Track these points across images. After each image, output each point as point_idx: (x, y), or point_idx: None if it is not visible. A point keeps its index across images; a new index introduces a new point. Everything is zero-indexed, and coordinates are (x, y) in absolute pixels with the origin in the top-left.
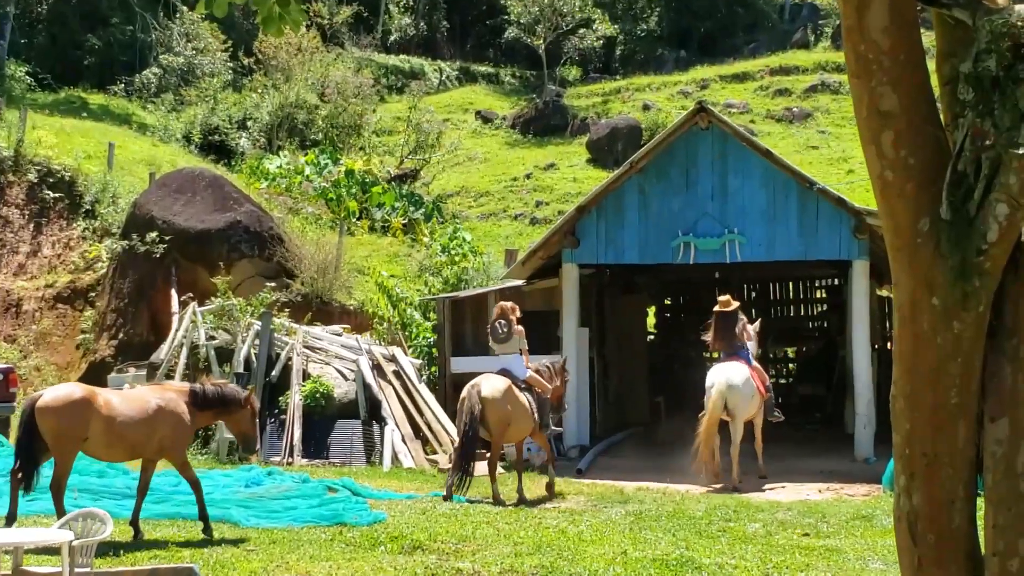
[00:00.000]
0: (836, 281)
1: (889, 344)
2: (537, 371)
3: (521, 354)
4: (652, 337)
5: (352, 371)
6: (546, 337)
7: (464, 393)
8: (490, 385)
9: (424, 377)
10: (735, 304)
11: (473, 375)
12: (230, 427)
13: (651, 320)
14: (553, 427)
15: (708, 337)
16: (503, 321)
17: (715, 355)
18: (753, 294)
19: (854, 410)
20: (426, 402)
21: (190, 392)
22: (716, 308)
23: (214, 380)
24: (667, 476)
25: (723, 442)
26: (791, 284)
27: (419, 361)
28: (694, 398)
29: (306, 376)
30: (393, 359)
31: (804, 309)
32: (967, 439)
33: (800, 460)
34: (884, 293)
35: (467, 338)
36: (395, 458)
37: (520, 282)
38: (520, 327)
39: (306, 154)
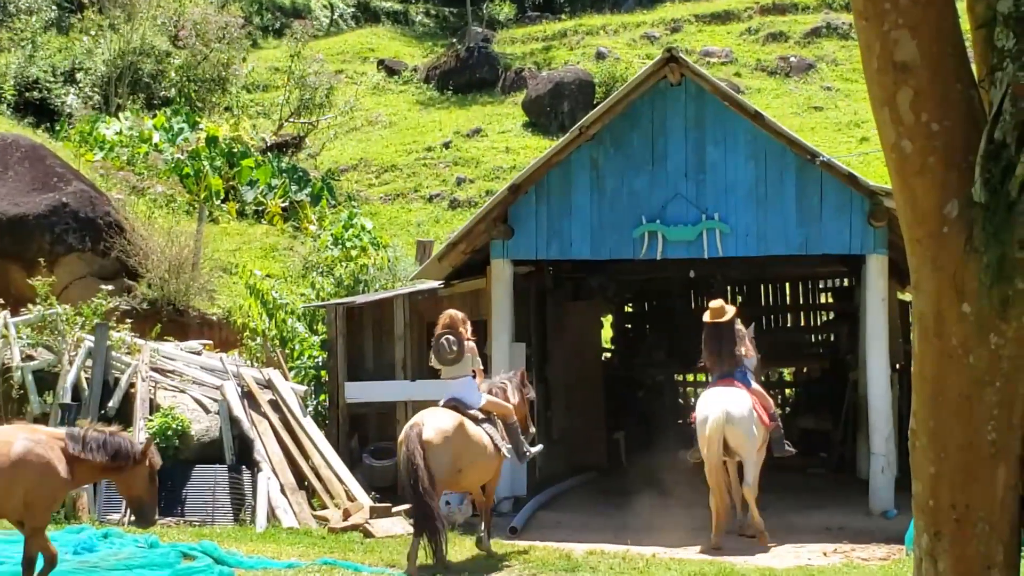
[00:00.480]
0: (846, 282)
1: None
2: (490, 392)
3: (475, 376)
4: (609, 355)
5: (215, 401)
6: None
7: (401, 436)
8: (434, 425)
9: (310, 408)
10: (730, 311)
11: (378, 404)
12: (120, 488)
13: (608, 333)
14: (530, 449)
15: (704, 358)
16: (451, 337)
17: (700, 377)
18: (739, 299)
19: (869, 449)
20: (313, 441)
21: (67, 438)
22: (706, 318)
23: (97, 426)
24: (628, 536)
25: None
26: (788, 286)
27: (304, 388)
28: (664, 434)
29: (154, 408)
30: (269, 385)
31: (805, 319)
32: (1008, 487)
33: (800, 513)
34: (908, 297)
35: (367, 357)
36: (272, 514)
37: (436, 284)
38: (472, 343)
39: (154, 116)
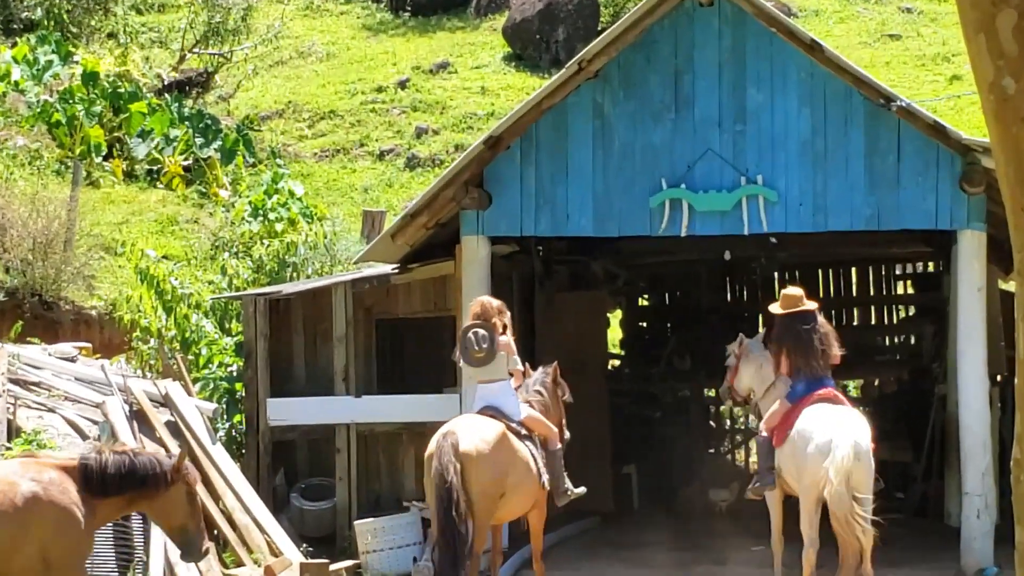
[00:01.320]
0: (931, 267)
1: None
2: (529, 403)
3: (513, 379)
4: (617, 363)
5: (94, 423)
6: (431, 362)
7: (432, 448)
8: (473, 433)
9: (221, 434)
10: (810, 303)
11: (310, 428)
12: (156, 519)
13: (616, 334)
14: (572, 488)
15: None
16: (480, 331)
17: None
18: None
19: (961, 487)
20: (225, 477)
21: (80, 469)
22: (777, 309)
23: (115, 446)
24: None
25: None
26: (854, 273)
27: (213, 406)
28: (688, 468)
29: (13, 432)
30: (167, 402)
31: (876, 315)
32: None
33: (875, 571)
34: (1011, 285)
35: (296, 365)
36: (169, 573)
37: (390, 268)
38: (509, 338)
39: (14, 45)
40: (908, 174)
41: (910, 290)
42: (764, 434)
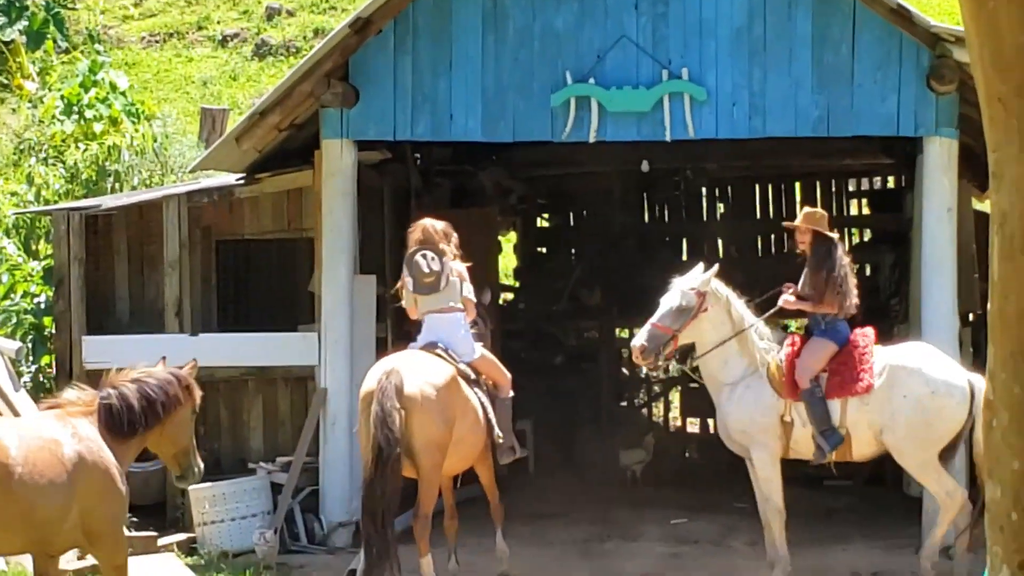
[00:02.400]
0: (891, 183)
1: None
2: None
3: (467, 310)
4: (510, 296)
5: None
6: (284, 293)
7: (371, 386)
8: (419, 374)
9: (26, 379)
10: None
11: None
12: (158, 448)
13: (509, 261)
14: (517, 446)
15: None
16: (430, 253)
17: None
18: (719, 209)
19: None
20: None
21: (101, 411)
22: (798, 223)
23: (124, 374)
24: None
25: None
26: (798, 189)
27: (17, 344)
28: (597, 425)
29: None
30: None
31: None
32: None
33: (817, 550)
34: (987, 205)
35: (119, 296)
36: None
37: (234, 177)
38: (461, 264)
39: None
40: (865, 69)
41: (865, 210)
42: (808, 386)
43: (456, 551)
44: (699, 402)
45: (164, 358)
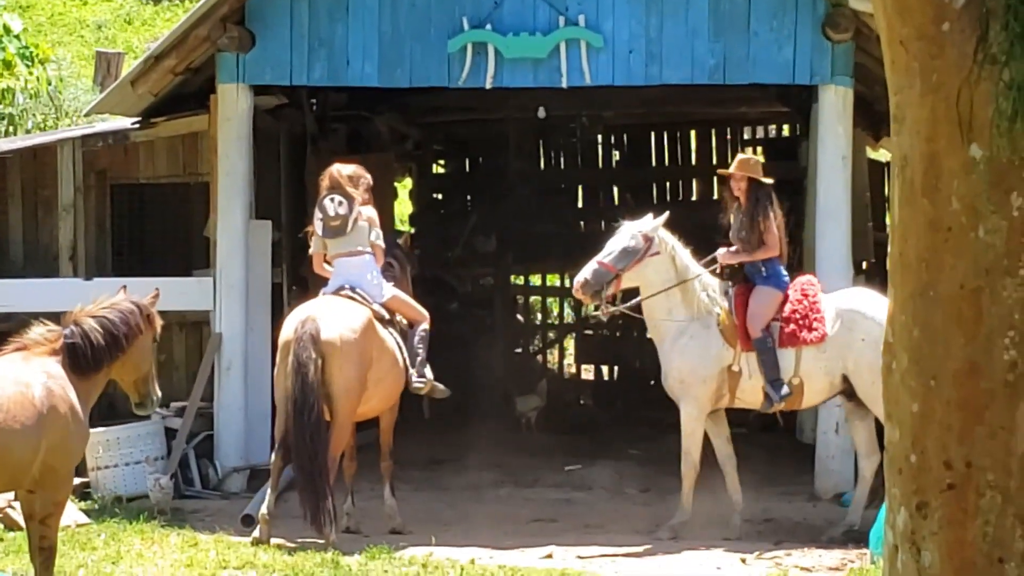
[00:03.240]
0: (786, 131)
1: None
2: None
3: (375, 255)
4: (406, 241)
5: None
6: (179, 238)
7: (288, 334)
8: (336, 320)
9: None
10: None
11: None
12: (121, 376)
13: (404, 207)
14: (428, 376)
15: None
16: (338, 197)
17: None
18: (615, 157)
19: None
20: None
21: (65, 350)
22: (733, 171)
23: (88, 308)
24: (431, 530)
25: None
26: (693, 137)
27: None
28: (491, 372)
29: None
30: None
31: (720, 190)
32: None
33: (709, 496)
34: (884, 155)
35: (13, 240)
36: None
37: (130, 121)
38: (371, 209)
39: None
40: (761, 17)
41: (761, 159)
42: (760, 335)
43: (353, 493)
44: (594, 349)
45: (124, 287)
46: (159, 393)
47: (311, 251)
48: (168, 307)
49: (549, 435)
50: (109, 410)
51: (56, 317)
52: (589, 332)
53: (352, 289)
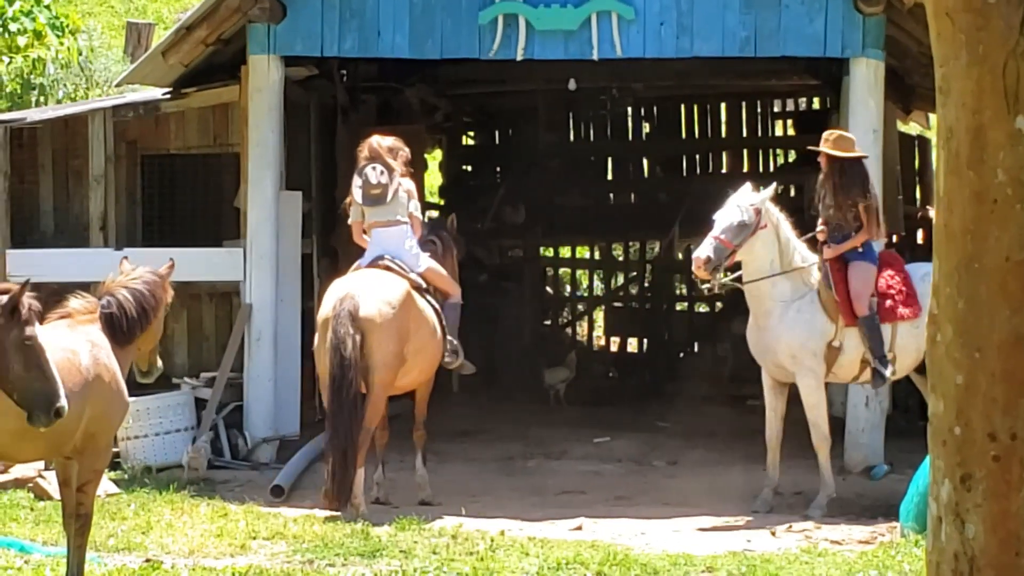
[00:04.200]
0: (816, 103)
1: (922, 235)
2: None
3: (412, 226)
4: (436, 213)
5: None
6: (209, 209)
7: (327, 311)
8: (375, 295)
9: None
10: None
11: (61, 287)
12: (142, 347)
13: (434, 179)
14: (460, 352)
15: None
16: (378, 167)
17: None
18: (646, 129)
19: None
20: None
21: (103, 320)
22: (827, 150)
23: (119, 279)
24: (461, 502)
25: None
26: (724, 109)
27: None
28: (519, 345)
29: None
30: None
31: (750, 161)
32: None
33: (739, 469)
34: (914, 128)
35: (43, 210)
36: None
37: (160, 92)
38: (410, 181)
39: None
40: None
41: (791, 131)
42: (868, 312)
43: (384, 464)
44: (622, 321)
45: (126, 257)
46: (161, 363)
47: (350, 220)
48: (198, 278)
49: (577, 407)
50: (132, 380)
51: (86, 287)
52: (618, 304)
53: (391, 259)
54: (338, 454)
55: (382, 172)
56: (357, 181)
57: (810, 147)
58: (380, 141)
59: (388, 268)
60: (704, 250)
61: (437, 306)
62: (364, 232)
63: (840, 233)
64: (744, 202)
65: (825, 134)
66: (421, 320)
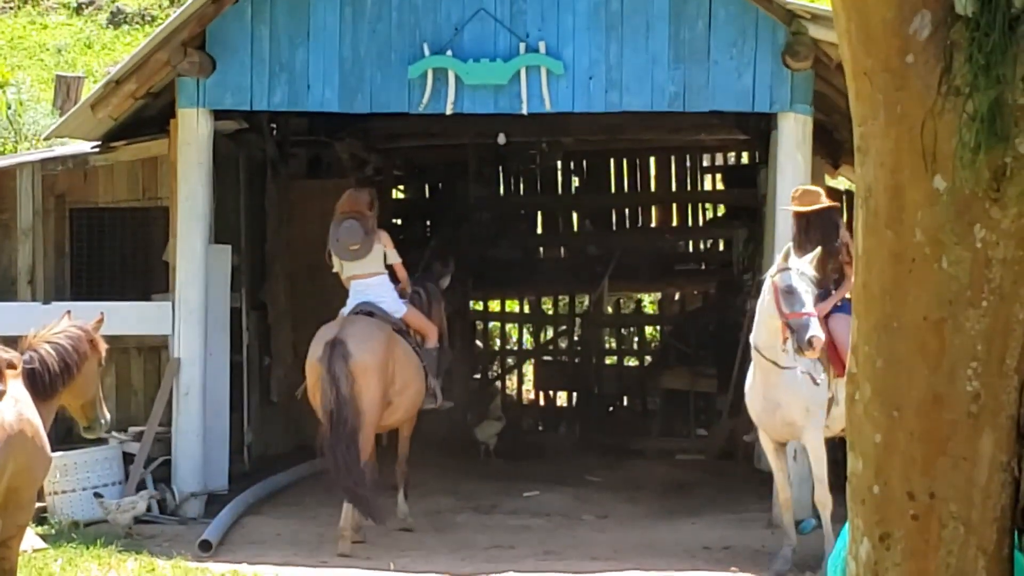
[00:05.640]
0: (745, 158)
1: (849, 289)
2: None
3: (394, 274)
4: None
5: None
6: (138, 262)
7: (318, 355)
8: (363, 341)
9: None
10: (824, 199)
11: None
12: (68, 401)
13: None
14: (439, 395)
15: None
16: (353, 221)
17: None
18: (575, 182)
19: None
20: None
21: (26, 374)
22: (794, 207)
23: (41, 334)
24: (388, 555)
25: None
26: (653, 164)
27: None
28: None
29: None
30: None
31: (679, 215)
32: (995, 466)
33: (664, 523)
34: (841, 184)
35: None
36: None
37: (90, 146)
38: (384, 232)
39: None
40: (720, 45)
41: (719, 186)
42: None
43: None
44: (552, 375)
45: (69, 312)
46: (108, 416)
47: (334, 269)
48: (127, 331)
49: (507, 461)
50: (66, 435)
51: (14, 341)
52: (548, 358)
53: (372, 305)
54: (348, 488)
55: (359, 228)
56: (335, 234)
57: (782, 207)
58: (360, 193)
59: (371, 314)
60: (818, 331)
61: (417, 348)
62: (344, 284)
63: (820, 288)
64: (805, 270)
65: (792, 192)
66: (404, 361)
